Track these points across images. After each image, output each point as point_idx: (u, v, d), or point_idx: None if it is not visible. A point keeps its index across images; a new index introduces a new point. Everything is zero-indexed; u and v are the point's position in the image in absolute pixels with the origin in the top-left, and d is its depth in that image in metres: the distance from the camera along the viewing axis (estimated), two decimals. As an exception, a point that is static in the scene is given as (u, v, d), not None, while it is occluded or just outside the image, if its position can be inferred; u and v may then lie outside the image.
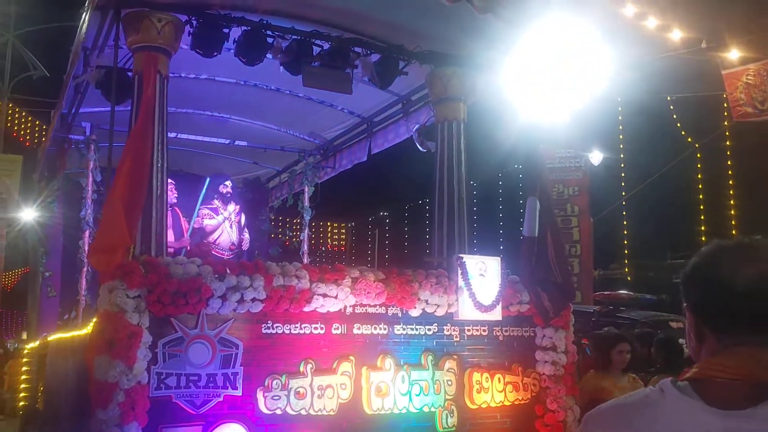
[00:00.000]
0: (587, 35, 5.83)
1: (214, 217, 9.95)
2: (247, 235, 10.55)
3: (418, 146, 7.99)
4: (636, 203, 15.26)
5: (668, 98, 12.79)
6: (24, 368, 11.79)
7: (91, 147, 8.84)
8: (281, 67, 6.85)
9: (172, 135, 9.34)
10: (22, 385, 11.81)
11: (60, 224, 10.18)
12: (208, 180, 10.16)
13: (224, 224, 9.99)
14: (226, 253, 9.85)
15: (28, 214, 13.17)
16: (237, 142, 10.11)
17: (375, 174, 17.03)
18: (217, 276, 5.11)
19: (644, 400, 1.40)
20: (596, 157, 15.36)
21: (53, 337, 8.20)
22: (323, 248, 21.71)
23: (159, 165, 5.90)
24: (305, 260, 10.71)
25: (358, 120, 9.37)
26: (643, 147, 15.14)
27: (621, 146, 14.94)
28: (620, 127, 14.79)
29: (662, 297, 12.78)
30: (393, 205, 20.14)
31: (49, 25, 18.70)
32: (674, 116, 14.18)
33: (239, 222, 10.39)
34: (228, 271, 5.17)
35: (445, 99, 7.24)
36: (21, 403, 12.01)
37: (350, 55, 6.93)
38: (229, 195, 10.18)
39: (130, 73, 6.23)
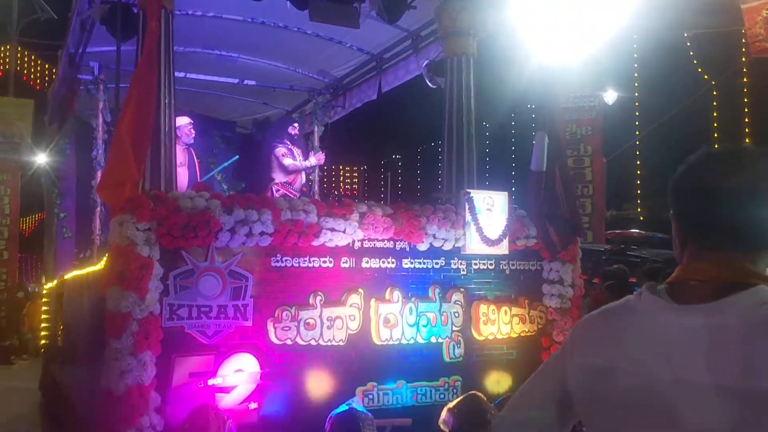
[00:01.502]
0: None
1: (294, 159, 9.47)
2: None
3: (428, 82, 7.91)
4: (650, 143, 15.11)
5: (685, 35, 12.52)
6: (43, 308, 12.10)
7: (100, 87, 8.81)
8: (288, 3, 6.76)
9: (180, 75, 9.33)
10: (42, 325, 12.15)
11: (73, 166, 10.24)
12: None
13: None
14: (297, 194, 9.36)
15: (41, 158, 13.25)
16: (246, 82, 10.04)
17: (387, 116, 16.94)
18: (225, 210, 5.16)
19: (624, 304, 1.45)
20: (611, 96, 15.15)
21: (69, 276, 8.37)
22: (335, 191, 21.75)
23: (167, 101, 5.91)
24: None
25: (367, 57, 9.26)
26: (659, 86, 14.90)
27: (636, 85, 14.70)
28: (635, 66, 14.53)
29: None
30: (406, 148, 20.08)
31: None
32: (691, 53, 13.90)
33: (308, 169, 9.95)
34: (236, 204, 5.21)
35: (454, 33, 7.14)
36: (42, 342, 12.37)
37: (357, -12, 6.82)
38: (297, 137, 9.71)
39: (135, 9, 6.18)
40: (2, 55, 19.41)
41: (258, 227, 5.25)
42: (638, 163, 14.96)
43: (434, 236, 5.91)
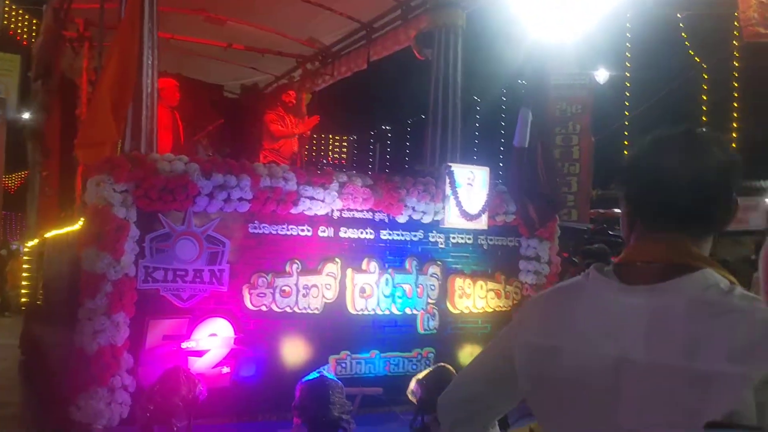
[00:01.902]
0: None
1: (283, 126, 9.30)
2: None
3: (416, 54, 7.85)
4: (640, 123, 15.11)
5: (678, 15, 12.46)
6: (25, 266, 12.06)
7: (85, 44, 8.70)
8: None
9: (167, 36, 9.23)
10: (24, 283, 12.12)
11: (56, 123, 10.14)
12: None
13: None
14: (287, 162, 9.07)
15: (25, 115, 13.10)
16: (234, 46, 9.93)
17: (377, 87, 16.80)
18: (204, 174, 5.14)
19: (573, 284, 1.47)
20: (602, 75, 15.11)
21: (50, 235, 8.34)
22: (324, 161, 21.68)
23: (149, 62, 5.83)
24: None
25: (357, 26, 9.17)
26: (650, 66, 14.87)
27: (627, 65, 14.67)
28: (627, 45, 14.48)
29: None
30: (396, 119, 20.00)
31: None
32: (683, 35, 13.85)
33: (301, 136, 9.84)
34: (215, 169, 5.19)
35: (443, 4, 7.09)
36: (23, 299, 12.36)
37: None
38: (291, 105, 9.45)
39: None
40: (-11, 8, 19.01)
41: (236, 193, 5.25)
42: (625, 143, 15.01)
43: (413, 209, 5.93)
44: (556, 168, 6.41)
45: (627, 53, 14.54)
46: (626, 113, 15.04)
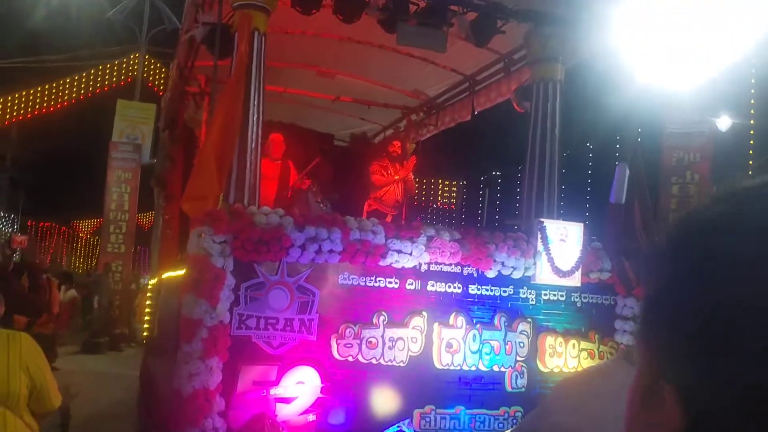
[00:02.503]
0: None
1: (384, 175, 9.57)
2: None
3: (516, 106, 7.88)
4: (764, 172, 14.21)
5: (807, 60, 11.72)
6: (147, 302, 12.92)
7: (205, 98, 9.35)
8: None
9: (281, 90, 9.78)
10: (146, 317, 12.97)
11: (179, 171, 10.88)
12: None
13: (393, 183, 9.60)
14: (390, 210, 9.52)
15: (154, 161, 14.12)
16: (342, 98, 10.34)
17: (488, 132, 16.84)
18: (297, 227, 5.38)
19: (600, 367, 1.49)
20: (724, 122, 14.39)
21: (165, 276, 8.92)
22: (433, 205, 21.88)
23: (255, 118, 6.21)
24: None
25: (460, 78, 9.34)
26: (777, 113, 14.04)
27: (752, 112, 13.91)
28: (752, 92, 13.76)
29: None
30: (506, 164, 19.91)
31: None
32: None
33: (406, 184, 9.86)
34: (308, 222, 5.42)
35: (542, 59, 7.09)
36: (145, 333, 13.22)
37: (447, 13, 6.91)
38: (396, 155, 9.68)
39: (232, 29, 6.54)
40: (132, 62, 20.87)
41: (327, 245, 5.44)
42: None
43: (503, 264, 5.90)
44: (654, 225, 6.19)
45: (752, 100, 13.80)
46: (750, 162, 14.22)
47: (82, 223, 41.52)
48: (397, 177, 9.61)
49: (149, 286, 13.47)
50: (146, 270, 31.27)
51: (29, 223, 37.99)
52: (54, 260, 36.96)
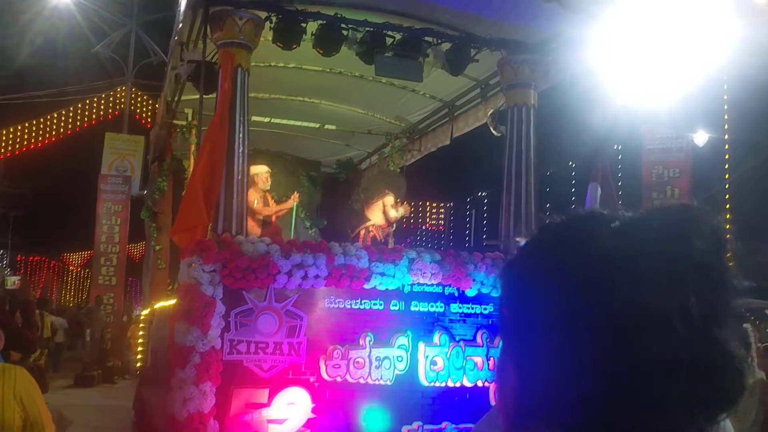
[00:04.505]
0: (689, 11, 5.75)
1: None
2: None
3: (492, 130, 8.17)
4: (742, 185, 14.62)
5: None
6: (140, 333, 13.05)
7: (192, 131, 9.61)
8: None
9: (266, 120, 10.06)
10: (139, 348, 13.08)
11: (169, 202, 11.11)
12: None
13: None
14: (384, 229, 9.61)
15: (144, 192, 14.37)
16: (327, 126, 10.64)
17: (472, 154, 17.20)
18: (283, 254, 5.61)
19: None
20: (701, 137, 14.78)
21: (158, 306, 9.11)
22: (422, 227, 22.17)
23: (240, 150, 6.46)
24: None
25: (440, 104, 9.65)
26: (751, 126, 14.44)
27: (726, 127, 14.31)
28: (725, 107, 14.16)
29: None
30: (492, 185, 20.26)
31: (167, 13, 20.04)
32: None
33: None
34: (294, 249, 5.66)
35: (515, 85, 7.39)
36: (138, 365, 13.31)
37: (422, 44, 7.21)
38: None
39: (217, 66, 6.81)
40: (119, 95, 21.16)
41: (313, 270, 5.67)
42: (727, 206, 14.52)
43: (482, 282, 6.14)
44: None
45: (725, 115, 14.20)
46: (726, 176, 14.59)
47: (72, 256, 41.51)
48: (399, 215, 9.70)
49: (142, 317, 13.60)
50: (138, 301, 31.29)
51: (18, 258, 37.98)
52: (44, 294, 36.89)
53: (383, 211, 9.54)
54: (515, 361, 0.77)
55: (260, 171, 8.94)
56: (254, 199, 8.65)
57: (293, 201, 9.39)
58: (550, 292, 0.72)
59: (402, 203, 9.86)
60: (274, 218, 9.17)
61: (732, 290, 0.72)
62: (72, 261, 42.13)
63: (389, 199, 9.60)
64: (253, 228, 8.49)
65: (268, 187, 9.11)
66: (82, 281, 41.62)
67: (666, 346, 0.67)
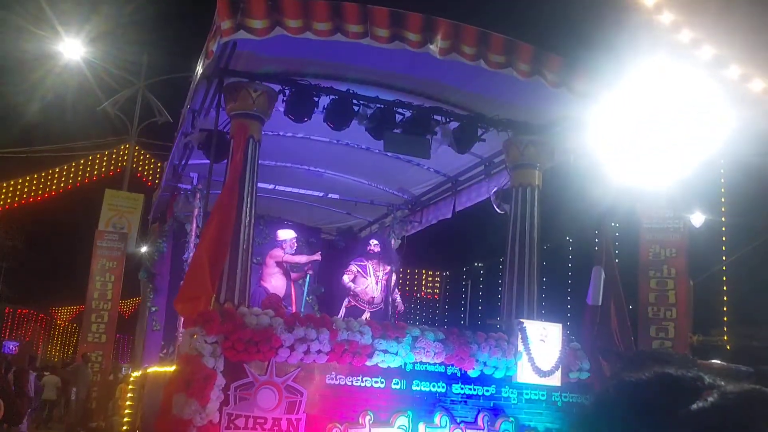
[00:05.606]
0: (688, 98, 5.90)
1: (364, 274, 9.83)
2: (399, 298, 10.40)
3: (495, 208, 8.23)
4: (739, 267, 14.66)
5: (772, 163, 12.34)
6: (129, 395, 12.78)
7: (197, 195, 9.64)
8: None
9: (271, 186, 10.14)
10: (126, 411, 12.79)
11: (168, 263, 11.07)
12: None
13: (370, 281, 9.84)
14: (366, 306, 9.70)
15: (142, 251, 14.32)
16: (330, 195, 10.71)
17: (471, 226, 17.25)
18: (287, 327, 5.57)
19: None
20: (698, 218, 14.90)
21: (151, 370, 8.95)
22: (417, 296, 22.08)
23: (247, 220, 6.48)
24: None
25: (443, 179, 9.76)
26: (748, 209, 14.59)
27: (723, 209, 14.47)
28: (722, 190, 14.35)
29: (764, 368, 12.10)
30: (489, 257, 20.32)
31: (174, 75, 20.43)
32: (779, 181, 13.62)
33: (387, 281, 10.15)
34: (297, 323, 5.62)
35: (520, 165, 7.50)
36: (124, 428, 13.00)
37: (430, 122, 7.34)
38: (373, 253, 9.91)
39: (228, 136, 6.90)
40: (121, 152, 21.32)
41: (315, 345, 5.62)
42: (725, 288, 14.53)
43: (485, 363, 6.08)
44: (629, 326, 6.44)
45: (722, 198, 14.38)
46: (723, 258, 14.65)
47: (61, 310, 40.97)
48: (353, 285, 9.73)
49: (130, 377, 13.34)
50: (124, 358, 30.80)
51: (7, 310, 37.45)
52: (29, 348, 36.25)
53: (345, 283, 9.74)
54: None
55: (288, 236, 9.44)
56: (281, 254, 9.35)
57: (318, 257, 9.69)
58: None
59: (377, 262, 9.93)
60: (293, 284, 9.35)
61: None
62: (60, 315, 41.56)
63: (349, 268, 9.82)
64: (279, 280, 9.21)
65: (293, 252, 9.29)
66: (69, 336, 41.00)
67: None
